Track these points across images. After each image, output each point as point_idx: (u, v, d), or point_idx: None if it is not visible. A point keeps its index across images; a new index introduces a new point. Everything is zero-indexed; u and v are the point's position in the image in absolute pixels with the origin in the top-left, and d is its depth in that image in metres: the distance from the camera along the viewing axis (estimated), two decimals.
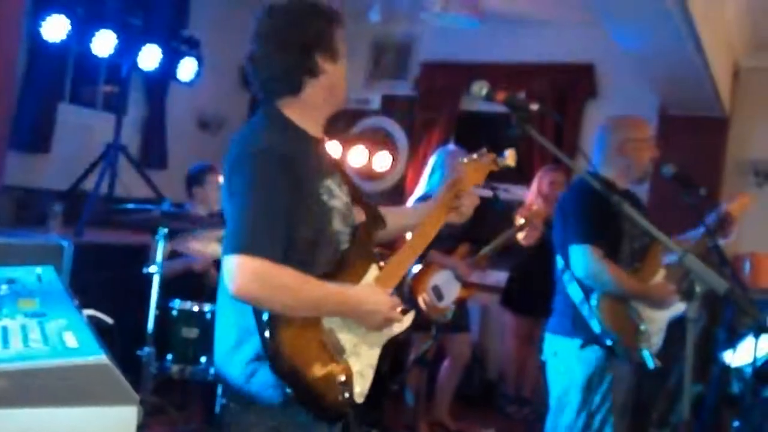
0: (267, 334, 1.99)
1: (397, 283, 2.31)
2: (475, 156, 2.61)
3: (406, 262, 2.38)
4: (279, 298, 1.98)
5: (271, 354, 1.99)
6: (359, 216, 2.32)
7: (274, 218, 1.99)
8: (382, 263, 2.30)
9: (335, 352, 2.10)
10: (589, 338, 3.13)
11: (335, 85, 2.20)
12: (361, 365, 2.16)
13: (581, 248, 3.10)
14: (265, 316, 2.00)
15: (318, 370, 2.04)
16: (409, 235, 2.54)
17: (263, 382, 2.05)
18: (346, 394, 2.09)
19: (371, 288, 2.19)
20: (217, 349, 2.24)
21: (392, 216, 2.50)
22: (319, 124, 2.25)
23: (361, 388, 2.15)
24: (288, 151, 2.06)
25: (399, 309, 2.22)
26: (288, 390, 2.01)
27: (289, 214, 2.02)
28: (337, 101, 2.25)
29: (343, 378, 2.09)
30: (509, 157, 2.61)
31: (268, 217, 1.98)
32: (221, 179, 5.24)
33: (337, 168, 2.31)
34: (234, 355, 2.14)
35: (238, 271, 1.93)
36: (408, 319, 2.30)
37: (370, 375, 2.19)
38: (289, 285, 1.99)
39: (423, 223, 2.45)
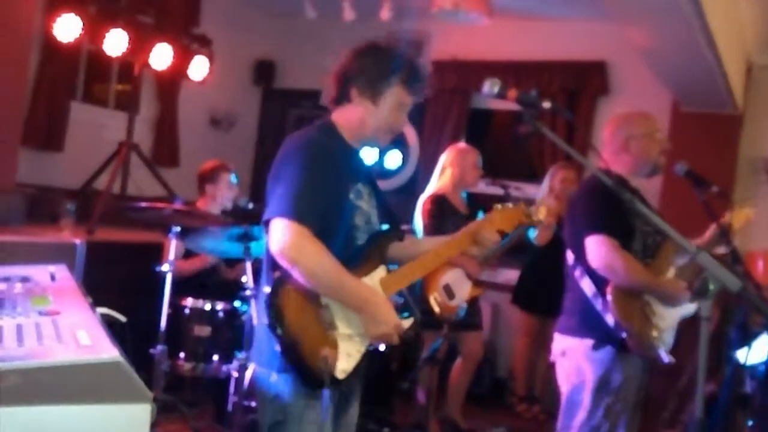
0: (272, 291, 2.26)
1: (400, 288, 2.50)
2: (510, 205, 2.77)
3: (413, 274, 2.57)
4: (312, 265, 2.22)
5: (271, 310, 2.24)
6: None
7: (318, 196, 2.27)
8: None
9: (326, 326, 2.29)
10: (602, 337, 3.11)
11: (366, 121, 2.46)
12: (350, 348, 2.33)
13: (596, 238, 3.07)
14: (268, 286, 2.27)
15: (306, 336, 2.25)
16: None
17: (269, 350, 2.29)
18: (328, 365, 2.22)
19: (387, 303, 2.36)
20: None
21: (415, 243, 2.78)
22: (358, 141, 2.53)
23: (345, 366, 2.30)
24: (329, 149, 2.38)
25: (401, 322, 2.38)
26: (277, 346, 2.22)
27: (326, 197, 2.29)
28: (365, 135, 2.50)
29: (327, 350, 2.23)
30: (541, 212, 2.74)
31: (314, 193, 2.26)
32: (233, 177, 5.30)
33: (371, 181, 2.60)
34: (259, 328, 2.45)
35: (286, 233, 2.20)
36: (407, 323, 2.45)
37: (357, 358, 2.34)
38: (322, 261, 2.23)
39: (441, 246, 2.63)
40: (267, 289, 2.28)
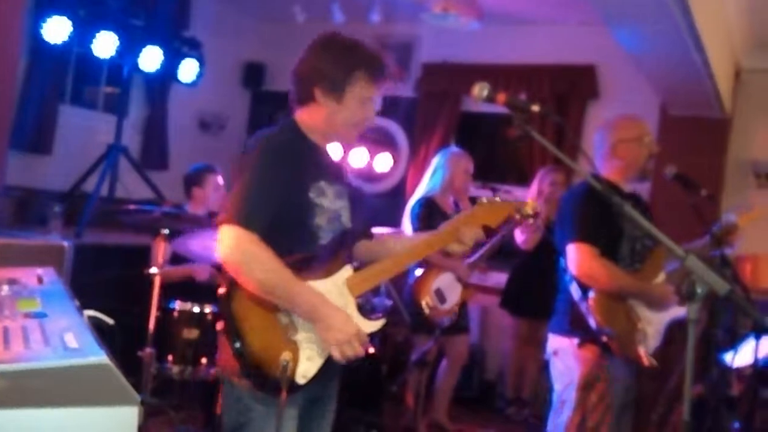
0: (226, 295, 2.22)
1: (368, 288, 2.41)
2: (497, 198, 2.68)
3: (385, 273, 2.47)
4: (256, 272, 2.16)
5: (225, 315, 2.22)
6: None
7: (267, 199, 2.23)
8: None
9: (286, 329, 2.23)
10: (586, 335, 3.13)
11: (333, 119, 2.40)
12: (311, 352, 2.25)
13: (576, 247, 3.11)
14: (225, 290, 2.23)
15: (264, 341, 2.21)
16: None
17: (228, 353, 2.23)
18: (287, 370, 2.14)
19: (340, 311, 2.24)
20: None
21: (392, 241, 2.67)
22: (325, 139, 2.47)
23: (306, 371, 2.23)
24: (287, 147, 2.34)
25: (360, 333, 2.24)
26: (233, 351, 2.18)
27: (277, 197, 2.24)
28: (335, 133, 2.44)
29: (286, 354, 2.16)
30: (530, 206, 2.66)
31: (263, 197, 2.22)
32: (220, 180, 5.28)
33: (340, 179, 2.51)
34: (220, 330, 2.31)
35: (230, 240, 2.16)
36: (375, 325, 2.36)
37: (319, 362, 2.26)
38: (268, 265, 2.16)
39: (418, 242, 2.55)
40: (222, 291, 2.24)
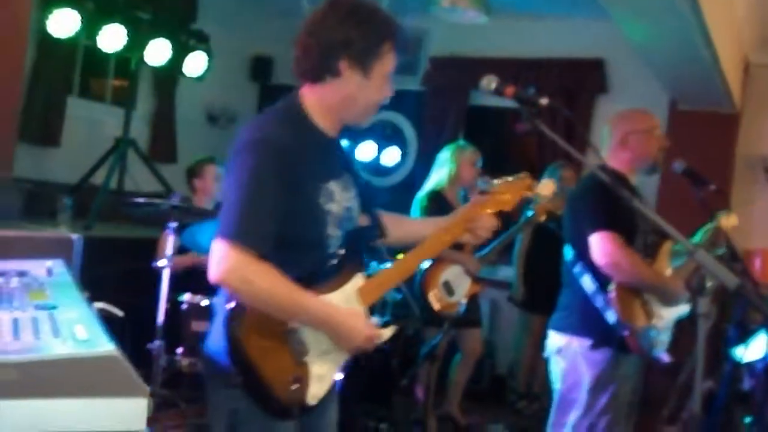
0: (230, 317, 2.02)
1: (380, 295, 2.30)
2: (510, 179, 2.51)
3: (396, 277, 2.35)
4: (257, 293, 1.97)
5: (227, 334, 2.01)
6: (361, 222, 2.31)
7: (264, 211, 1.97)
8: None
9: (295, 351, 2.07)
10: (601, 337, 3.09)
11: (355, 97, 2.15)
12: (322, 370, 2.12)
13: (601, 235, 3.04)
14: (226, 302, 2.04)
15: (272, 365, 2.03)
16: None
17: (226, 366, 2.04)
18: (297, 393, 2.04)
19: (354, 314, 2.13)
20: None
21: (403, 224, 2.51)
22: (335, 125, 2.22)
23: (317, 392, 2.11)
24: (290, 146, 2.04)
25: (376, 332, 2.16)
26: (238, 377, 2.00)
27: (279, 210, 2.00)
28: (354, 113, 2.19)
29: (296, 375, 2.04)
30: (546, 186, 2.49)
31: (260, 209, 1.97)
32: (220, 170, 5.29)
33: (348, 170, 2.29)
34: (214, 331, 2.16)
35: (224, 259, 1.94)
36: (387, 333, 2.25)
37: (330, 380, 2.17)
38: (269, 287, 1.98)
39: (430, 238, 2.39)
40: (226, 305, 2.05)
